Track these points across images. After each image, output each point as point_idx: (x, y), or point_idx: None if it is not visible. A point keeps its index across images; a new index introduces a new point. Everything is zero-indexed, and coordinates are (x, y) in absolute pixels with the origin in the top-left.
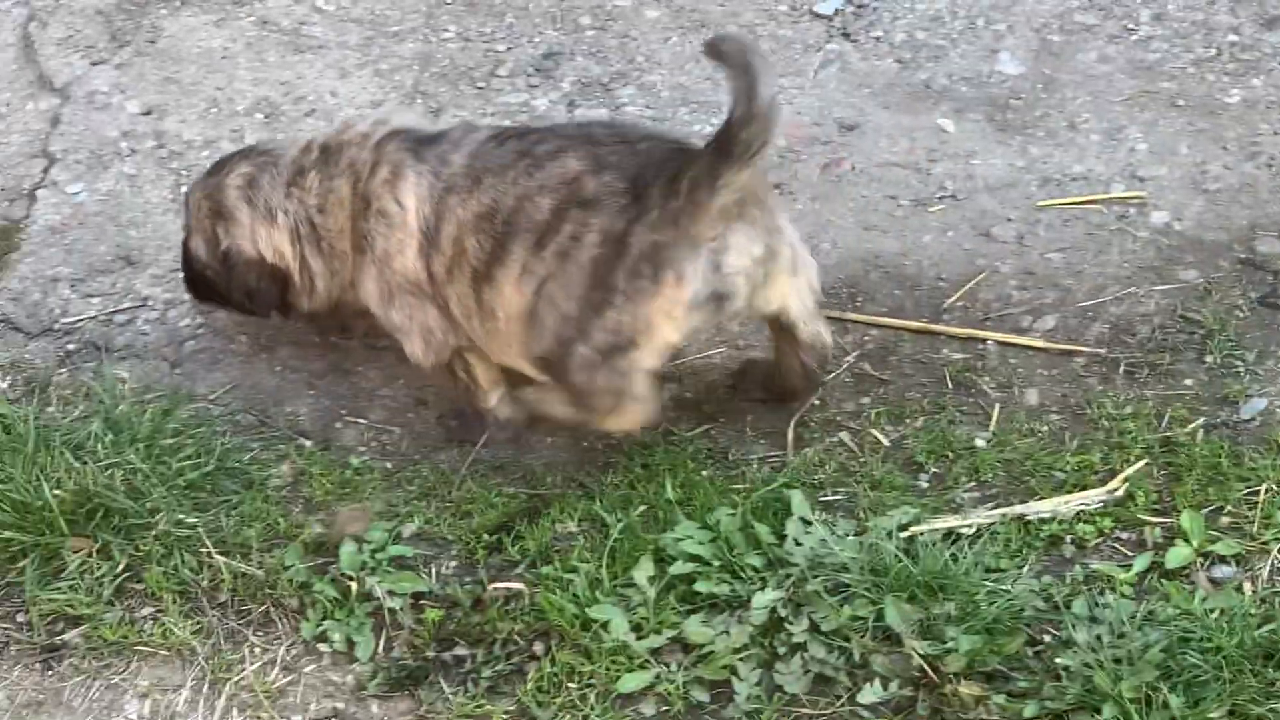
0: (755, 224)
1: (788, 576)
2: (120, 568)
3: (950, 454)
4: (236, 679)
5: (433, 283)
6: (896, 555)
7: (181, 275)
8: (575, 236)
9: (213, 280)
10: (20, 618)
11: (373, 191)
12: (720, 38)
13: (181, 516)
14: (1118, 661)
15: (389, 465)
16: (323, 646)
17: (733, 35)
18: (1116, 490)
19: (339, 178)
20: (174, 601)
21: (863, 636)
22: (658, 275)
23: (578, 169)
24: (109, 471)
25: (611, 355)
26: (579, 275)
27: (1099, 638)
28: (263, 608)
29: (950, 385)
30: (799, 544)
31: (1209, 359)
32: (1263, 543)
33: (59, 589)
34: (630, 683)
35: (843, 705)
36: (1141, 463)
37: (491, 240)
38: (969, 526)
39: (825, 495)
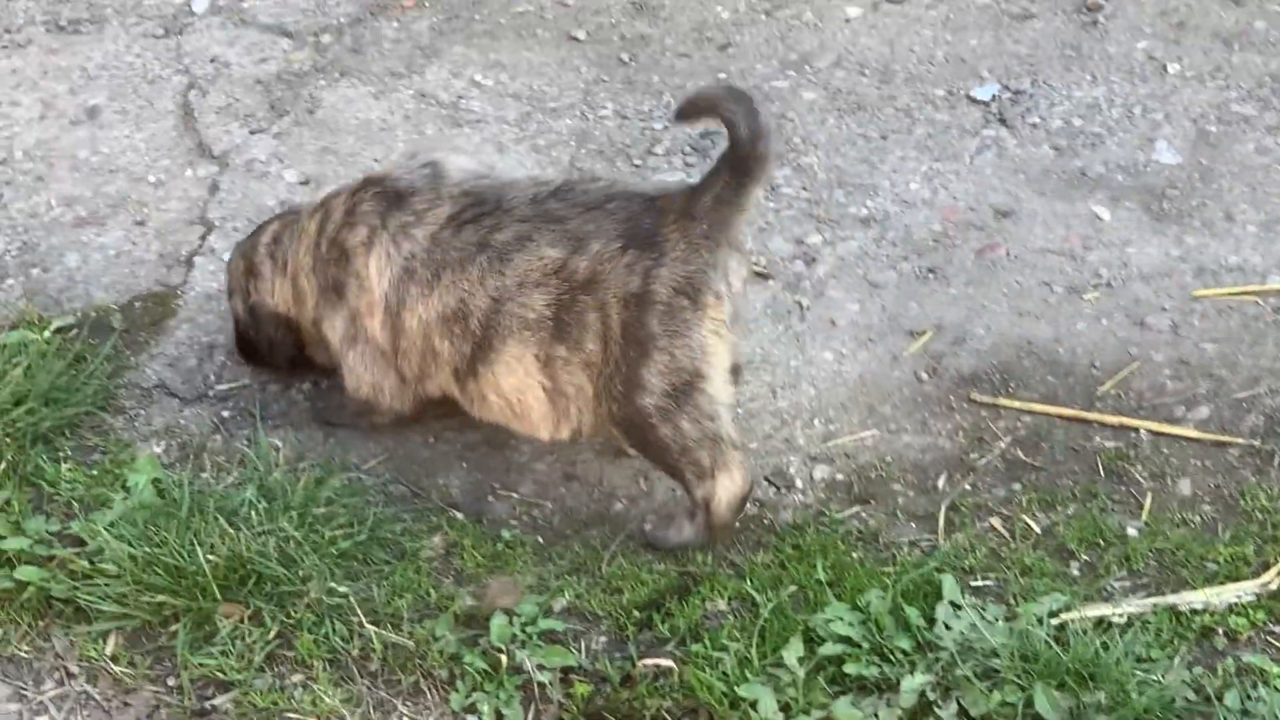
0: (738, 249)
1: (937, 660)
2: (272, 634)
3: (1102, 542)
4: None
5: (395, 355)
6: (1047, 642)
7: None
8: (593, 316)
9: (251, 339)
10: (171, 681)
11: (349, 247)
12: (689, 96)
13: (333, 585)
14: None
15: (540, 539)
16: (471, 718)
17: (700, 90)
18: (1270, 583)
19: (313, 217)
20: (324, 669)
21: None
22: (698, 300)
23: (559, 255)
24: (262, 538)
25: (685, 397)
26: (600, 349)
27: None
28: (412, 678)
29: (1102, 473)
30: (949, 628)
31: None
32: None
33: (210, 654)
34: None
35: None
36: None
37: (470, 343)
38: (1120, 615)
39: (976, 580)
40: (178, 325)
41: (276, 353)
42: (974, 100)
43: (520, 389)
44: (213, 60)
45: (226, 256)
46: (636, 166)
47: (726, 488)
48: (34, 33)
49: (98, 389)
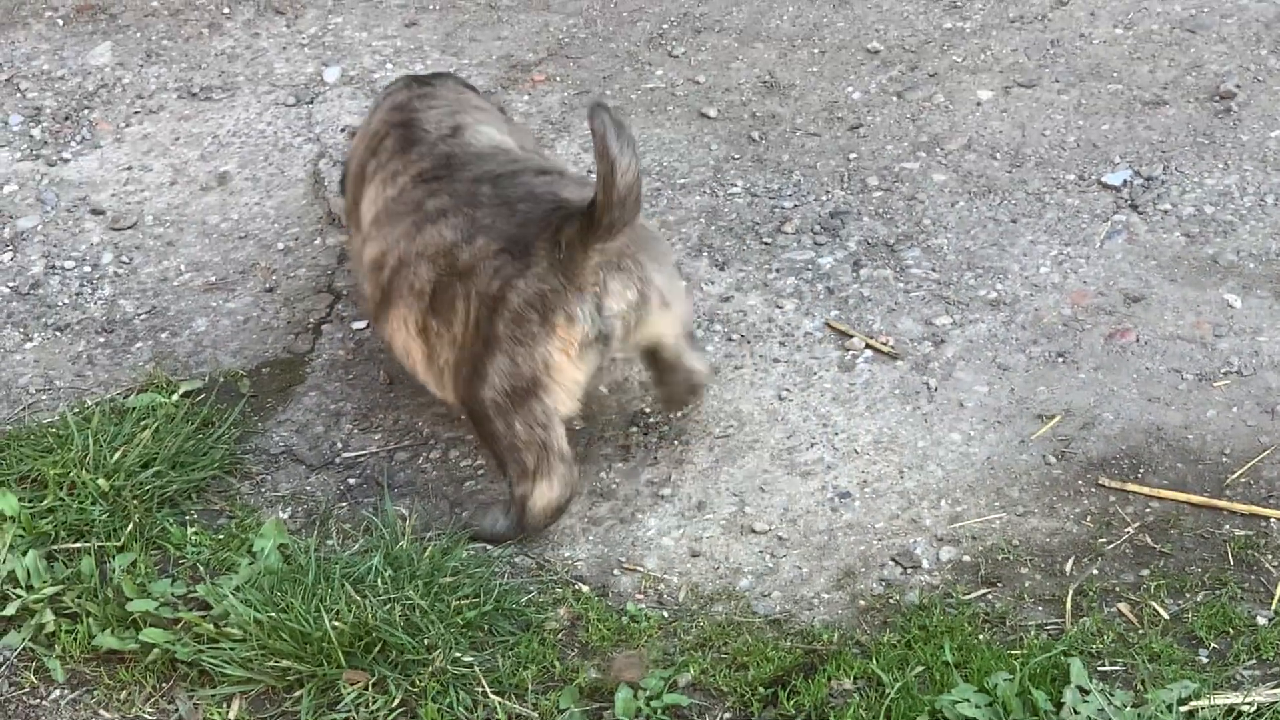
0: (630, 273)
1: None
2: (396, 702)
3: (1231, 630)
4: None
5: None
6: None
7: None
8: (459, 303)
9: None
10: None
11: (367, 170)
12: (593, 110)
13: (458, 655)
14: None
15: (665, 614)
16: None
17: (602, 110)
18: None
19: (374, 120)
20: None
21: None
22: (547, 318)
23: (452, 240)
24: (388, 606)
25: (519, 399)
26: (463, 332)
27: None
28: None
29: (1231, 561)
30: (1076, 712)
31: None
32: None
33: None
34: None
35: None
36: None
37: (379, 291)
38: (1250, 704)
39: (1103, 665)
40: (305, 392)
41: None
42: (1105, 185)
43: (406, 346)
44: (344, 129)
45: (361, 326)
46: (766, 244)
47: (543, 493)
48: (166, 99)
49: (225, 454)
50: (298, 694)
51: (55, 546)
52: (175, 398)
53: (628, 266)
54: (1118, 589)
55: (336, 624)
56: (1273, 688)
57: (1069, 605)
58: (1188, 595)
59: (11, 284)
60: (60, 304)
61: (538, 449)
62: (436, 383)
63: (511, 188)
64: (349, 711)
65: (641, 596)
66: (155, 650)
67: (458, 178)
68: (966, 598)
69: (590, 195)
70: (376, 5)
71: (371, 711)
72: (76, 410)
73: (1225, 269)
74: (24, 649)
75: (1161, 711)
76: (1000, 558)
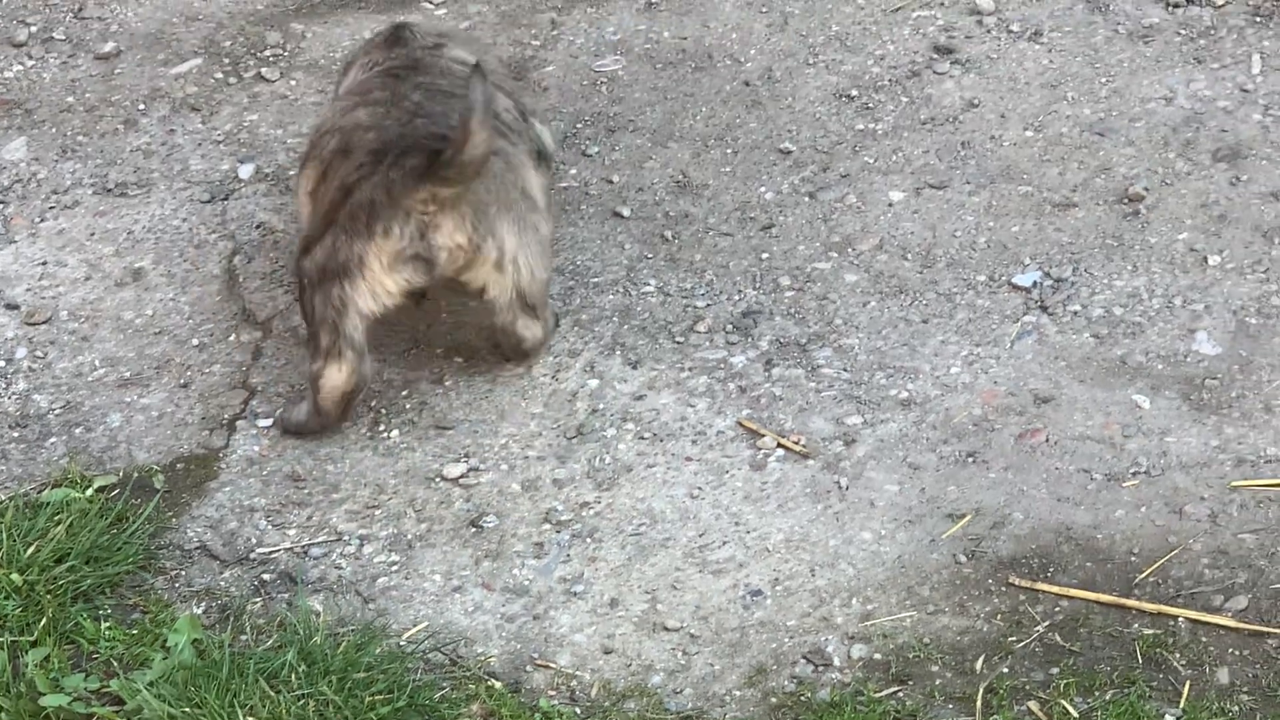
0: (465, 219)
1: None
2: None
3: None
4: None
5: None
6: None
7: None
8: (332, 178)
9: None
10: None
11: (354, 60)
12: (473, 77)
13: None
14: None
15: (578, 710)
16: None
17: (478, 83)
18: None
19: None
20: None
21: None
22: (370, 224)
23: (359, 123)
24: (302, 702)
25: (327, 279)
26: (323, 207)
27: None
28: None
29: (1140, 660)
30: None
31: None
32: None
33: None
34: None
35: None
36: None
37: (306, 148)
38: None
39: None
40: (219, 488)
41: None
42: (1015, 287)
43: (301, 201)
44: (258, 226)
45: (264, 423)
46: (679, 344)
47: (332, 375)
48: (82, 194)
49: (139, 549)
50: None
51: None
52: (89, 493)
53: (464, 213)
54: (1028, 687)
55: (250, 719)
56: None
57: (979, 704)
58: (1097, 694)
59: None
60: None
61: (330, 329)
62: (297, 246)
63: (435, 103)
64: None
65: (554, 693)
66: None
67: (407, 79)
68: (878, 695)
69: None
70: (292, 103)
71: None
72: None
73: (1134, 370)
74: None
75: None
76: (911, 655)
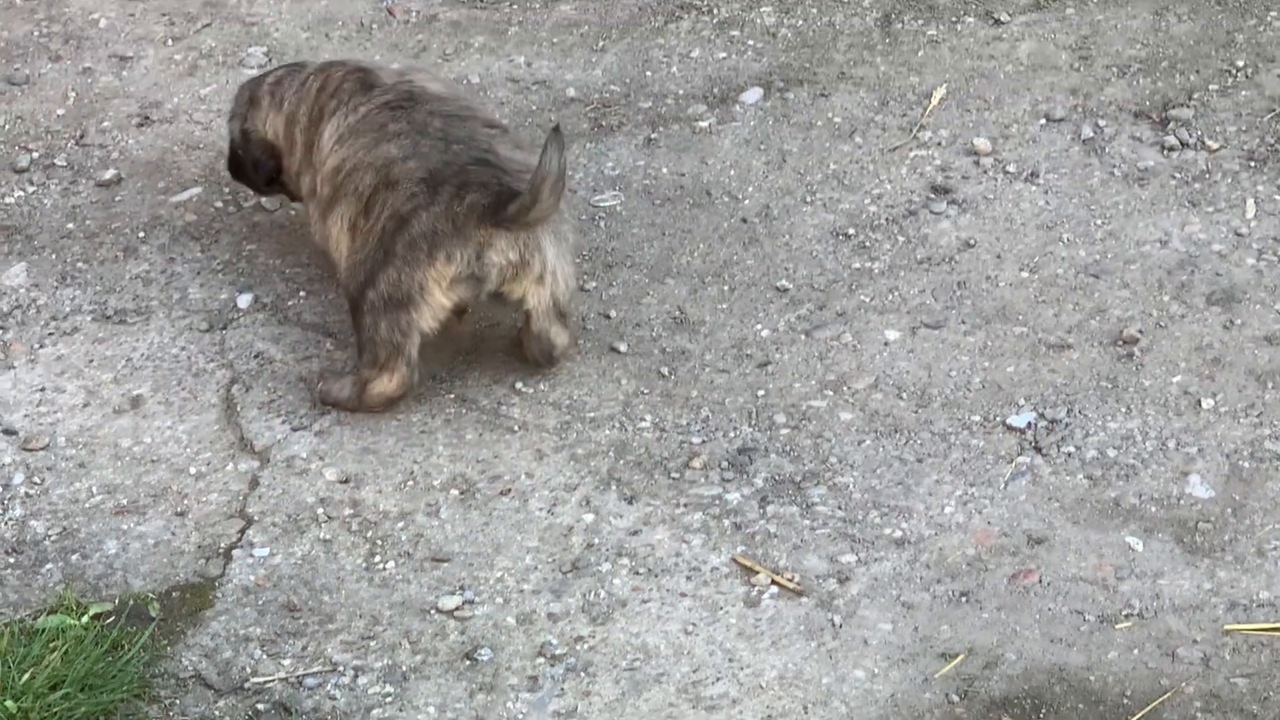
0: (517, 238)
1: None
2: None
3: None
4: None
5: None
6: None
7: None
8: (380, 210)
9: (240, 158)
10: None
11: (326, 110)
12: (550, 139)
13: None
14: None
15: None
16: None
17: (555, 146)
18: None
19: (317, 79)
20: None
21: None
22: (432, 253)
23: (393, 155)
24: None
25: (393, 307)
26: (375, 239)
27: None
28: None
29: None
30: None
31: None
32: None
33: None
34: None
35: None
36: None
37: (330, 190)
38: None
39: None
40: (214, 617)
41: (259, 173)
42: (1010, 427)
43: (338, 239)
44: (256, 356)
45: (260, 552)
46: (674, 479)
47: (383, 383)
48: (81, 321)
49: (134, 677)
50: None
51: None
52: (85, 620)
53: (517, 233)
54: None
55: None
56: None
57: None
58: None
59: None
60: None
61: (390, 349)
62: (350, 274)
63: (458, 128)
64: None
65: None
66: None
67: (417, 110)
68: None
69: (520, 157)
70: (291, 233)
71: None
72: None
73: (1127, 512)
74: None
75: None
76: None
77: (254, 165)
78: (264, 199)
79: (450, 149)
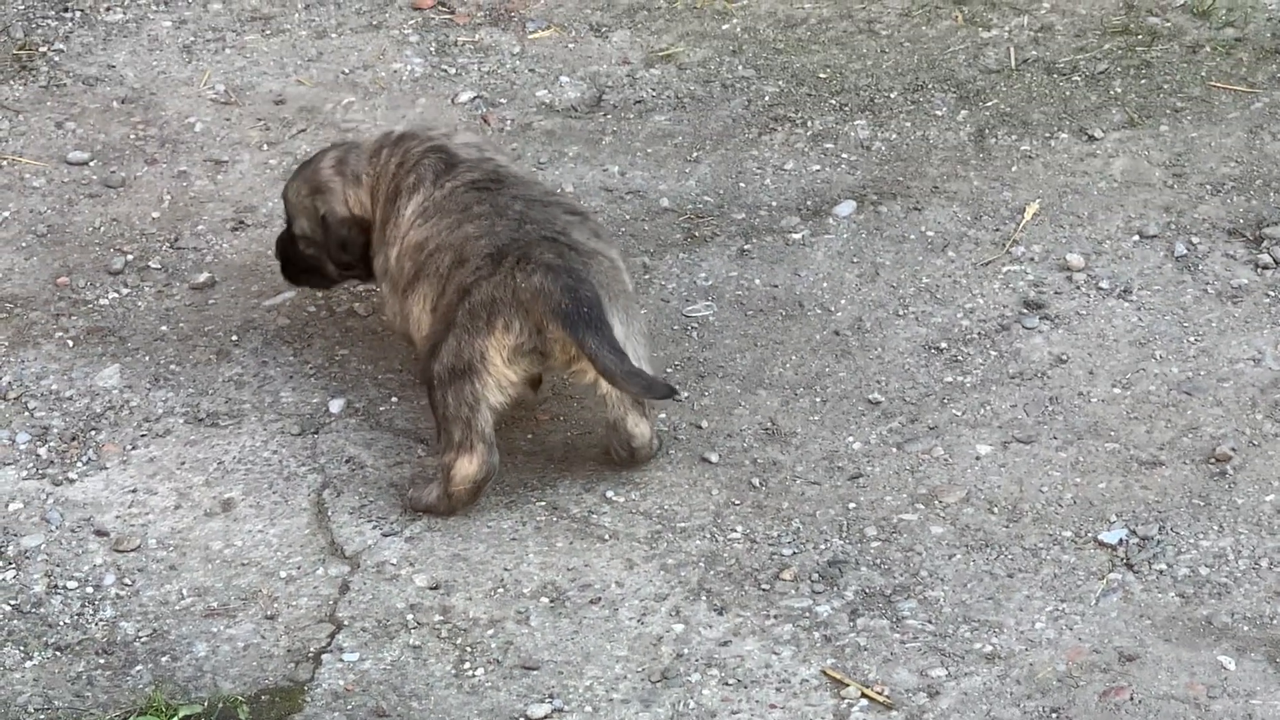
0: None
1: None
2: None
3: None
4: None
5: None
6: None
7: (280, 266)
8: (450, 287)
9: (308, 255)
10: None
11: (403, 185)
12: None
13: None
14: None
15: None
16: None
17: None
18: None
19: (395, 154)
20: None
21: None
22: (490, 321)
23: (469, 235)
24: None
25: (457, 378)
26: (442, 311)
27: None
28: None
29: None
30: None
31: None
32: None
33: None
34: None
35: None
36: None
37: (412, 268)
38: None
39: None
40: None
41: (350, 249)
42: (1101, 543)
43: (419, 319)
44: (348, 461)
45: (350, 657)
46: (764, 591)
47: (463, 466)
48: (173, 423)
49: None
50: None
51: None
52: None
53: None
54: None
55: None
56: None
57: None
58: None
59: (13, 602)
60: (61, 623)
61: (463, 425)
62: (422, 352)
63: (538, 212)
64: None
65: None
66: None
67: (502, 192)
68: None
69: (595, 244)
70: (382, 338)
71: None
72: None
73: (1220, 631)
74: None
75: None
76: None
77: (341, 246)
78: (358, 306)
79: (523, 228)
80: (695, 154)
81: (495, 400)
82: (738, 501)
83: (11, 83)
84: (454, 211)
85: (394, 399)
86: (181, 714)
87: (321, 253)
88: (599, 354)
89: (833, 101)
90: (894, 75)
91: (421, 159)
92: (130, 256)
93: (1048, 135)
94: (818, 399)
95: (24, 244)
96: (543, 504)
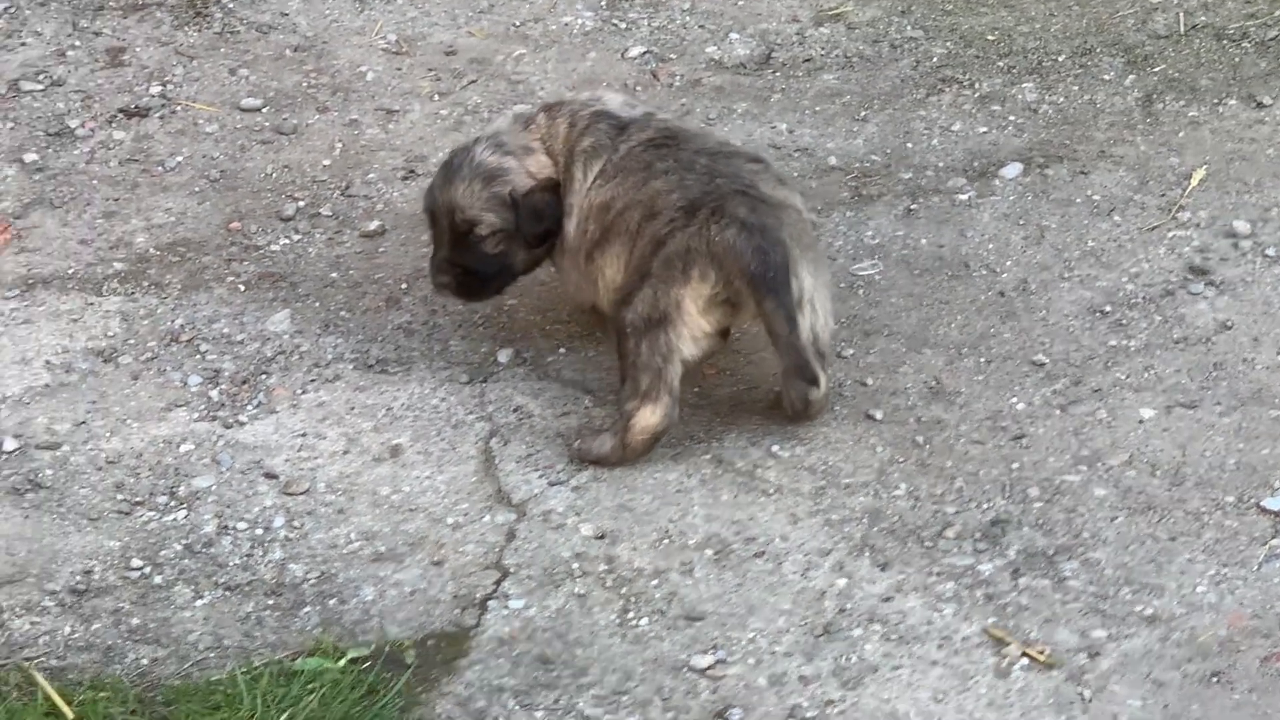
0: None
1: None
2: None
3: None
4: None
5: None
6: None
7: (452, 289)
8: (642, 241)
9: (494, 255)
10: None
11: (577, 150)
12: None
13: None
14: None
15: None
16: None
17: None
18: None
19: (560, 120)
20: None
21: None
22: (686, 270)
23: (659, 190)
24: None
25: (652, 327)
26: (634, 262)
27: None
28: None
29: None
30: None
31: None
32: None
33: None
34: None
35: None
36: None
37: (598, 229)
38: None
39: None
40: (468, 666)
41: (548, 215)
42: (1264, 510)
43: (613, 279)
44: (515, 410)
45: (515, 604)
46: (927, 548)
47: (645, 416)
48: (343, 368)
49: None
50: None
51: None
52: (342, 664)
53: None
54: None
55: None
56: None
57: None
58: None
59: (184, 541)
60: (231, 564)
61: (652, 374)
62: (614, 304)
63: (724, 165)
64: None
65: None
66: None
67: (683, 147)
68: None
69: (782, 193)
70: (552, 290)
71: None
72: (245, 670)
73: None
74: None
75: None
76: None
77: (537, 216)
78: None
79: (713, 181)
80: (863, 113)
81: (688, 352)
82: (901, 459)
83: (186, 29)
84: (636, 170)
85: (561, 350)
86: (349, 656)
87: (512, 241)
88: (773, 318)
89: (1000, 64)
90: (1062, 39)
91: (592, 123)
92: (301, 203)
93: (1216, 101)
94: (982, 359)
95: (197, 189)
96: (708, 457)
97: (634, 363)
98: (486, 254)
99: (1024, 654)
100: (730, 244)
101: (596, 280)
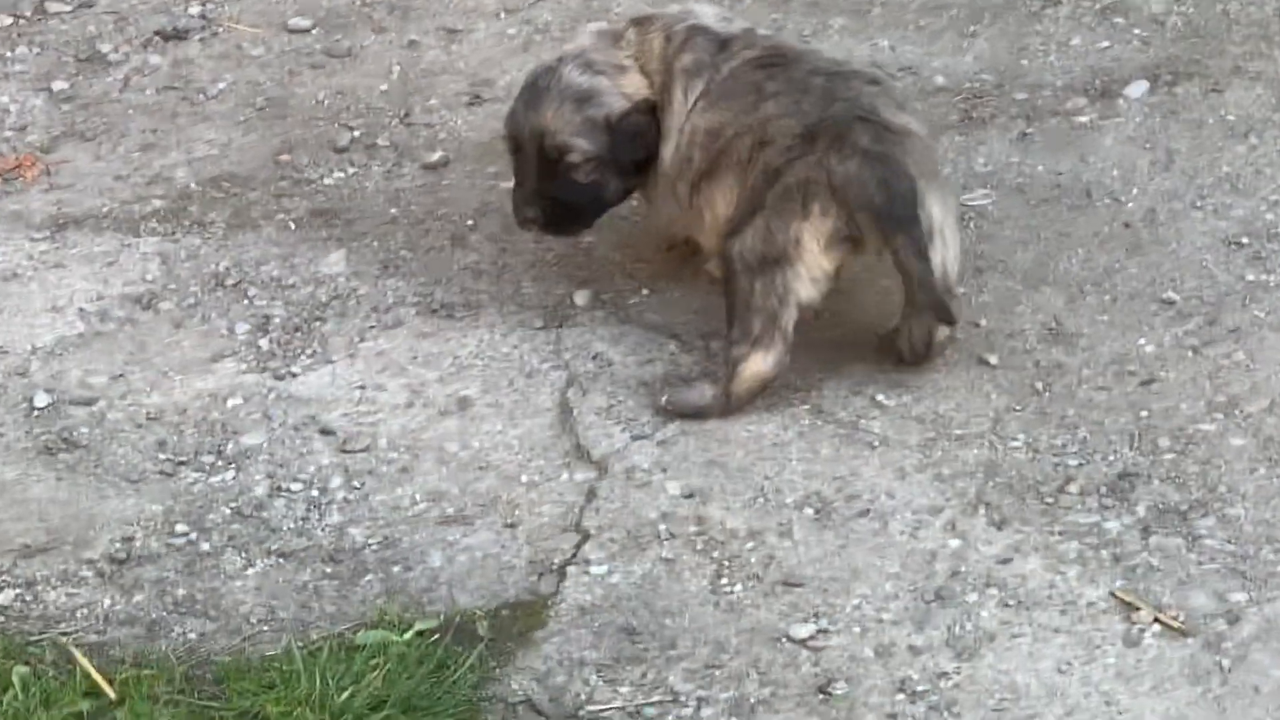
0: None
1: None
2: None
3: None
4: None
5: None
6: None
7: (540, 223)
8: (755, 169)
9: (586, 185)
10: None
11: (675, 68)
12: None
13: None
14: None
15: None
16: None
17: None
18: None
19: (653, 35)
20: None
21: None
22: (806, 204)
23: (771, 114)
24: None
25: (767, 265)
26: (746, 193)
27: None
28: None
29: None
30: None
31: None
32: None
33: None
34: None
35: None
36: None
37: (706, 159)
38: None
39: None
40: (547, 638)
41: (648, 137)
42: None
43: (723, 211)
44: (594, 357)
45: (597, 570)
46: (1047, 505)
47: (756, 362)
48: (404, 314)
49: (460, 701)
50: None
51: None
52: (408, 636)
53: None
54: None
55: None
56: None
57: None
58: None
59: (233, 504)
60: (285, 528)
61: (766, 318)
62: (722, 237)
63: (841, 87)
64: None
65: None
66: None
67: (794, 67)
68: None
69: (902, 119)
70: (633, 225)
71: None
72: (301, 644)
73: None
74: None
75: None
76: None
77: (635, 140)
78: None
79: (833, 106)
80: (972, 27)
81: (806, 294)
82: (1019, 407)
83: None
84: (744, 93)
85: (644, 291)
86: (416, 628)
87: (606, 169)
88: (903, 255)
89: None
90: None
91: (689, 38)
92: (357, 133)
93: None
94: (1106, 297)
95: (242, 118)
96: (807, 407)
97: (746, 303)
98: (577, 184)
99: (1156, 620)
100: (853, 175)
101: (703, 213)
